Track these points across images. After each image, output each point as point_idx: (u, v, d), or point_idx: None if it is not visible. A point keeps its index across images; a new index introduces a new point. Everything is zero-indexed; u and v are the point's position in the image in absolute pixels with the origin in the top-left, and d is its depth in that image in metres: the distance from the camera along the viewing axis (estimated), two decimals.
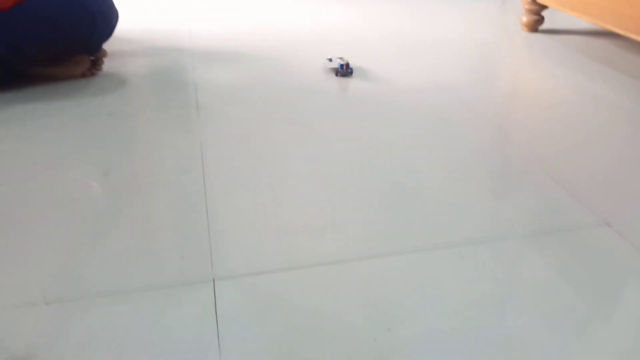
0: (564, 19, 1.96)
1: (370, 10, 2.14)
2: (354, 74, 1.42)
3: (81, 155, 1.02)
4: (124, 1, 1.79)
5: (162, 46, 1.67)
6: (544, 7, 1.78)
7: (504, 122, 1.17)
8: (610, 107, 1.24)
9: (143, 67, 1.48)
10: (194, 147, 1.05)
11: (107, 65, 1.45)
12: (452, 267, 0.74)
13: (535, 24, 1.83)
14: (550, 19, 1.89)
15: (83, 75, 1.38)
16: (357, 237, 0.80)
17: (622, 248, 0.78)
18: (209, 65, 1.50)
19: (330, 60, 1.45)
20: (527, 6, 1.81)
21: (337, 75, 1.40)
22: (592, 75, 1.42)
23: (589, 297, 0.69)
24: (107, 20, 1.36)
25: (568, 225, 0.83)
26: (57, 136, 1.09)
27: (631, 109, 1.23)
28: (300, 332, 0.64)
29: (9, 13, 1.20)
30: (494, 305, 0.68)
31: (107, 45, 1.42)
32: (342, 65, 1.40)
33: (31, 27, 1.22)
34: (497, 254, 0.77)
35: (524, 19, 1.84)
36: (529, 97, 1.31)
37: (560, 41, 1.72)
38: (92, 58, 1.40)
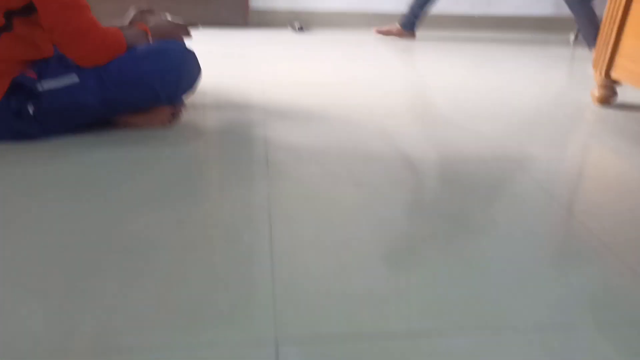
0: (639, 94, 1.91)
1: (441, 72, 2.18)
2: (416, 138, 1.43)
3: (158, 203, 1.07)
4: (204, 55, 1.90)
5: (236, 100, 1.75)
6: (617, 82, 1.76)
7: (576, 204, 1.14)
8: None
9: (217, 120, 1.56)
10: (262, 203, 1.08)
11: (185, 116, 1.54)
12: (520, 351, 0.72)
13: (609, 98, 1.80)
14: (623, 93, 1.86)
15: (162, 124, 1.47)
16: (420, 310, 0.79)
17: None
18: (280, 121, 1.55)
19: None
20: (600, 82, 1.79)
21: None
22: None
23: None
24: (191, 75, 1.45)
25: (627, 302, 0.79)
26: (134, 183, 1.15)
27: None
28: None
29: (105, 70, 1.31)
30: None
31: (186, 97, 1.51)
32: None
33: (123, 85, 1.33)
34: (567, 342, 0.74)
35: (597, 93, 1.81)
36: (602, 179, 1.28)
37: (635, 119, 1.68)
38: (172, 109, 1.48)
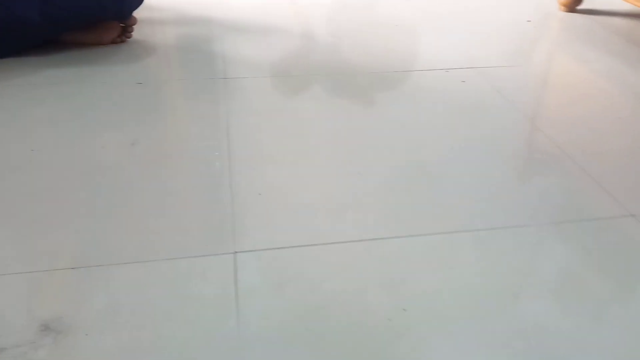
0: None
1: None
2: (380, 50, 1.40)
3: (110, 123, 1.04)
4: None
5: (193, 16, 1.66)
6: None
7: (534, 109, 1.15)
8: None
9: (172, 36, 1.49)
10: (220, 118, 1.06)
11: (137, 32, 1.46)
12: (472, 251, 0.74)
13: (574, 4, 1.77)
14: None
15: (113, 42, 1.40)
16: (377, 217, 0.81)
17: None
18: (239, 37, 1.49)
19: None
20: None
21: None
22: (631, 62, 1.37)
23: (608, 285, 0.68)
24: None
25: (592, 215, 0.82)
26: (87, 102, 1.11)
27: None
28: (317, 308, 0.65)
29: None
30: (511, 291, 0.67)
31: (137, 13, 1.42)
32: None
33: None
34: (518, 241, 0.76)
35: None
36: (563, 83, 1.28)
37: (600, 23, 1.66)
38: (122, 25, 1.41)
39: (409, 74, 1.29)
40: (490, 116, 1.10)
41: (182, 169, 0.91)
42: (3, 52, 1.28)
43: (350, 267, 0.71)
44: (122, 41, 1.41)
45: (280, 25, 1.59)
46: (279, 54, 1.38)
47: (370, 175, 0.90)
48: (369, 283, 0.69)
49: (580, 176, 0.91)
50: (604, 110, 1.13)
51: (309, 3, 1.80)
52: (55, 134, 1.00)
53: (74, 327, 0.61)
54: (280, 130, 1.03)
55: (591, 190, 0.87)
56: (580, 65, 1.36)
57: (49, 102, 1.11)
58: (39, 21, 1.25)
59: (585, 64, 1.36)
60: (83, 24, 1.34)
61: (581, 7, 1.79)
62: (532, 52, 1.45)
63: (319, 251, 0.74)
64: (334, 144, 0.99)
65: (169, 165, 0.92)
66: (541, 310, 0.65)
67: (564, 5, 1.78)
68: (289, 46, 1.43)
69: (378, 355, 0.59)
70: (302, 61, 1.34)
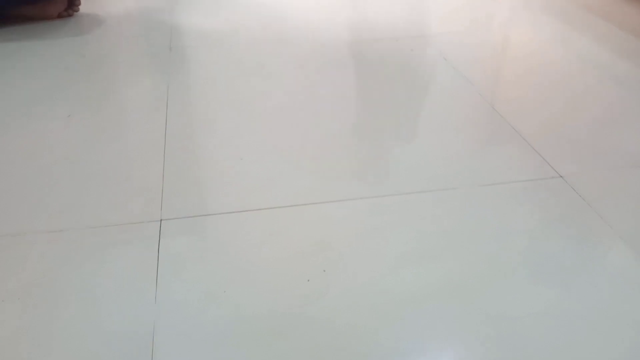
0: None
1: None
2: (330, 20, 1.39)
3: (49, 96, 1.03)
4: None
5: None
6: None
7: (478, 75, 1.15)
8: (594, 65, 1.21)
9: (120, 10, 1.46)
10: (160, 89, 1.05)
11: (85, 6, 1.43)
12: (397, 215, 0.75)
13: None
14: None
15: (59, 16, 1.37)
16: (309, 184, 0.81)
17: (571, 198, 0.78)
18: (189, 9, 1.47)
19: None
20: None
21: None
22: (580, 28, 1.38)
23: (525, 242, 0.70)
24: None
25: (525, 177, 0.83)
26: (27, 76, 1.09)
27: (612, 66, 1.20)
28: (237, 272, 0.65)
29: None
30: (432, 253, 0.69)
31: None
32: None
33: None
34: (445, 203, 0.77)
35: None
36: (509, 50, 1.28)
37: None
38: None
39: (358, 44, 1.28)
40: (434, 83, 1.10)
41: (117, 139, 0.90)
42: None
43: (276, 233, 0.72)
44: (69, 15, 1.38)
45: None
46: (228, 25, 1.36)
47: (306, 143, 0.90)
48: (294, 247, 0.69)
49: (515, 139, 0.92)
50: (546, 75, 1.14)
51: None
52: None
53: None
54: (219, 100, 1.02)
55: (525, 153, 0.88)
56: (530, 32, 1.36)
57: None
58: None
59: (534, 30, 1.37)
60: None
61: None
62: (482, 19, 1.45)
63: (244, 218, 0.74)
64: (274, 113, 0.99)
65: (104, 136, 0.91)
66: (456, 269, 0.66)
67: None
68: (238, 17, 1.41)
69: (295, 315, 0.60)
70: (249, 31, 1.32)
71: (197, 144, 0.89)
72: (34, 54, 1.18)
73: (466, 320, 0.59)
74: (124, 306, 0.60)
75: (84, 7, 1.42)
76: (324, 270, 0.66)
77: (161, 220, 0.73)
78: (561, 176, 0.83)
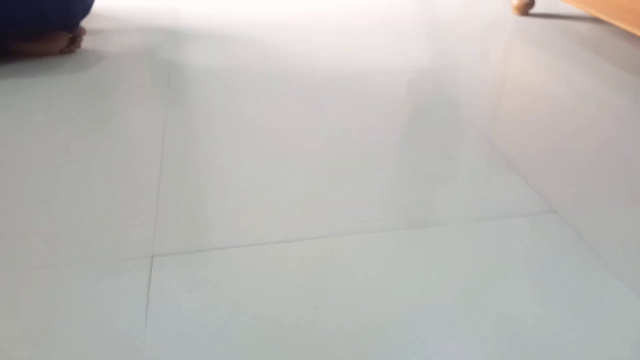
0: (556, 2, 1.92)
1: None
2: (327, 54, 1.41)
3: (47, 132, 1.04)
4: None
5: (145, 25, 1.67)
6: None
7: (475, 111, 1.16)
8: (589, 99, 1.22)
9: (121, 46, 1.49)
10: (157, 126, 1.06)
11: (87, 42, 1.46)
12: (389, 251, 0.75)
13: (526, 7, 1.80)
14: (543, 2, 1.86)
15: (61, 52, 1.39)
16: (303, 219, 0.81)
17: (565, 234, 0.78)
18: (190, 46, 1.50)
19: None
20: None
21: None
22: (576, 63, 1.40)
23: (517, 279, 0.69)
24: None
25: (517, 212, 0.83)
26: (24, 111, 1.11)
27: (607, 101, 1.21)
28: (228, 309, 0.65)
29: None
30: (424, 291, 0.68)
31: (88, 23, 1.43)
32: None
33: (6, 3, 1.23)
34: (436, 240, 0.77)
35: (515, 1, 1.81)
36: (506, 85, 1.30)
37: (551, 26, 1.69)
38: (70, 35, 1.41)
39: (356, 77, 1.29)
40: (430, 118, 1.11)
41: (111, 175, 0.91)
42: None
43: (268, 268, 0.71)
44: (71, 51, 1.41)
45: (231, 33, 1.59)
46: (226, 61, 1.38)
47: (299, 178, 0.90)
48: (285, 283, 0.69)
49: (510, 174, 0.92)
50: (543, 111, 1.15)
51: (263, 12, 1.81)
52: None
53: None
54: (217, 135, 1.03)
55: (518, 187, 0.88)
56: (527, 67, 1.38)
57: None
58: None
59: (531, 65, 1.38)
60: (27, 34, 1.34)
61: (534, 10, 1.82)
62: (480, 56, 1.47)
63: (237, 254, 0.74)
64: (270, 147, 0.99)
65: (99, 172, 0.91)
66: (449, 313, 0.66)
67: (517, 9, 1.80)
68: (236, 53, 1.44)
69: (287, 353, 0.59)
70: (247, 67, 1.35)
71: (192, 177, 0.90)
72: (33, 90, 1.20)
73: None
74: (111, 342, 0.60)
75: (87, 43, 1.45)
76: (315, 308, 0.65)
77: (153, 256, 0.73)
78: (555, 211, 0.83)
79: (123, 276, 0.70)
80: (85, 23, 1.42)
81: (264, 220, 0.80)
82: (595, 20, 1.73)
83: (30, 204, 0.83)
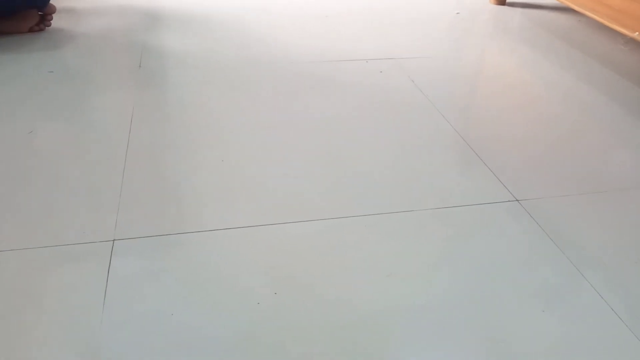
0: None
1: None
2: (301, 45, 1.40)
3: (11, 112, 1.02)
4: None
5: (119, 5, 1.64)
6: None
7: (444, 99, 1.17)
8: (558, 89, 1.23)
9: (94, 26, 1.46)
10: (126, 109, 1.05)
11: (59, 22, 1.43)
12: (355, 236, 0.75)
13: None
14: None
15: (30, 31, 1.37)
16: (269, 205, 0.81)
17: (526, 222, 0.79)
18: (163, 28, 1.48)
19: None
20: None
21: None
22: (547, 53, 1.41)
23: (483, 267, 0.70)
24: None
25: (480, 200, 0.84)
26: None
27: (576, 91, 1.22)
28: (190, 294, 0.65)
29: None
30: (385, 272, 0.69)
31: (61, 1, 1.40)
32: None
33: None
34: (401, 225, 0.78)
35: None
36: (477, 73, 1.30)
37: (527, 16, 1.70)
38: (40, 13, 1.38)
39: (329, 64, 1.29)
40: (401, 107, 1.11)
41: (76, 158, 0.90)
42: None
43: (233, 253, 0.72)
44: (41, 29, 1.38)
45: (209, 16, 1.57)
46: (201, 45, 1.37)
47: (270, 164, 0.90)
48: (250, 268, 0.69)
49: (476, 163, 0.93)
50: (514, 101, 1.16)
51: None
52: None
53: None
54: (186, 121, 1.02)
55: (483, 177, 0.90)
56: (498, 56, 1.39)
57: None
58: None
59: (505, 55, 1.39)
60: (0, 13, 1.31)
61: (511, 0, 1.83)
62: (453, 44, 1.47)
63: (202, 238, 0.74)
64: (240, 133, 0.99)
65: (63, 154, 0.90)
66: (409, 290, 0.66)
67: None
68: (213, 37, 1.42)
69: (247, 338, 0.60)
70: (223, 52, 1.33)
71: (156, 163, 0.89)
72: (5, 68, 1.18)
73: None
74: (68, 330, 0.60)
75: (57, 22, 1.42)
76: (275, 294, 0.66)
77: (114, 240, 0.73)
78: (517, 200, 0.84)
79: (83, 260, 0.69)
80: (58, 1, 1.39)
81: (230, 205, 0.80)
82: (570, 10, 1.75)
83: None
